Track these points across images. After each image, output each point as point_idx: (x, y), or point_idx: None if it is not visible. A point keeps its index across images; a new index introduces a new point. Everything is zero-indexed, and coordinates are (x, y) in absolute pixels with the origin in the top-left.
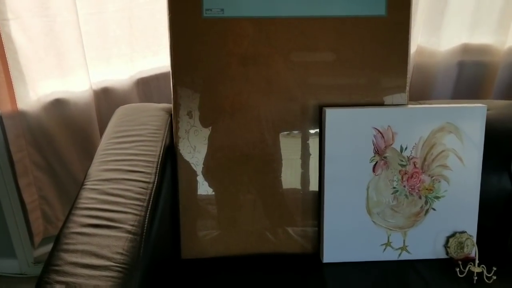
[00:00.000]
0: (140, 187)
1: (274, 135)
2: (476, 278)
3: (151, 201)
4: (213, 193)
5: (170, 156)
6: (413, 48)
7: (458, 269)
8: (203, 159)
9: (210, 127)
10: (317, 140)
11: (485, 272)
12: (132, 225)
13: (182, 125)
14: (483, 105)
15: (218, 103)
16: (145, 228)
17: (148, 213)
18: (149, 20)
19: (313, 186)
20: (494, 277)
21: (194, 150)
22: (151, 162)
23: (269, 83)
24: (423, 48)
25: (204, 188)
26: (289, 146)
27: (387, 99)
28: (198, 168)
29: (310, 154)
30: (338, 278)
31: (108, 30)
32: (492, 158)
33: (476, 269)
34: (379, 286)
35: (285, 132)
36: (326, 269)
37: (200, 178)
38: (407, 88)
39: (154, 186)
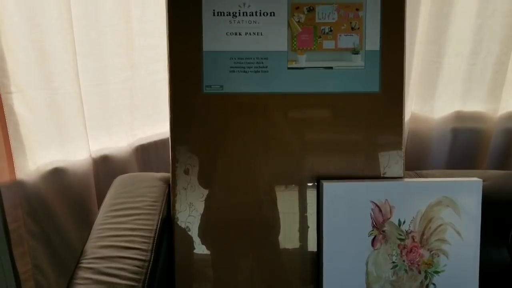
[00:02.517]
0: (136, 266)
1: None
2: None
3: (146, 281)
4: (210, 257)
5: (168, 228)
6: (407, 116)
7: None
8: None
9: (208, 189)
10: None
11: None
12: None
13: (180, 195)
14: (479, 179)
15: (214, 169)
16: None
17: None
18: (150, 89)
19: (312, 252)
20: None
21: (194, 213)
22: (148, 237)
23: (266, 155)
24: (417, 115)
25: (200, 252)
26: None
27: (384, 172)
28: (194, 232)
29: (308, 227)
30: None
31: (110, 100)
32: (489, 231)
33: None
34: None
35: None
36: None
37: (196, 242)
38: (403, 160)
39: (150, 264)
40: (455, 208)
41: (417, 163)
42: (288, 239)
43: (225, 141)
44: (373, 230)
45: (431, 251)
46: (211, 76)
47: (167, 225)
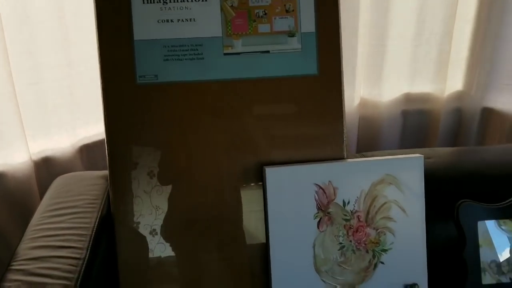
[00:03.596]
0: (70, 264)
1: (214, 196)
2: None
3: (79, 280)
4: (166, 256)
5: (108, 226)
6: (356, 100)
7: None
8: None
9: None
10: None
11: None
12: None
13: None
14: (420, 155)
15: (153, 163)
16: None
17: None
18: (90, 86)
19: None
20: None
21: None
22: (84, 235)
23: (208, 145)
24: (366, 100)
25: (156, 252)
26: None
27: (326, 154)
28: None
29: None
30: None
31: (47, 99)
32: (436, 207)
33: None
34: None
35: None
36: None
37: (152, 242)
38: (344, 142)
39: (85, 262)
40: (398, 185)
41: (369, 148)
42: (250, 233)
43: (163, 133)
44: (318, 213)
45: (377, 230)
46: (144, 66)
47: (107, 223)
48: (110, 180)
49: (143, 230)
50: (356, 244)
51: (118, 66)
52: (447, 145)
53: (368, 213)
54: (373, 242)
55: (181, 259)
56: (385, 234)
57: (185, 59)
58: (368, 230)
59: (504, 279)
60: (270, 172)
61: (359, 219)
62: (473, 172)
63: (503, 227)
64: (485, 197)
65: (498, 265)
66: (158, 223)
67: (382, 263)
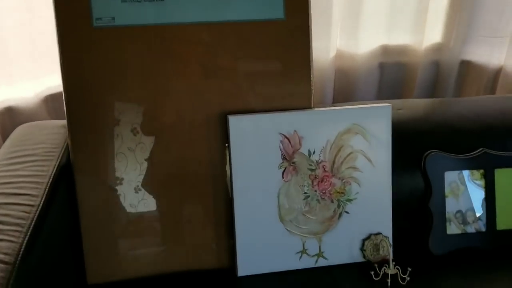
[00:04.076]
0: (23, 211)
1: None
2: (389, 280)
3: (32, 226)
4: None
5: (67, 175)
6: (332, 52)
7: (373, 272)
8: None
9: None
10: None
11: (399, 274)
12: (5, 253)
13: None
14: (388, 104)
15: (112, 111)
16: (20, 256)
17: (26, 239)
18: (54, 33)
19: None
20: (408, 278)
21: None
22: (40, 183)
23: (167, 94)
24: (342, 52)
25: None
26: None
27: (293, 104)
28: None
29: None
30: None
31: (7, 47)
32: (404, 158)
33: (391, 271)
34: None
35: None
36: (241, 283)
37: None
38: (312, 91)
39: (39, 209)
40: (365, 135)
41: (345, 101)
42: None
43: (123, 79)
44: (283, 162)
45: (342, 180)
46: (100, 8)
47: (66, 172)
48: (68, 129)
49: (127, 187)
50: (321, 194)
51: (74, 8)
52: (424, 97)
53: (333, 163)
54: (338, 192)
55: (162, 213)
56: (350, 184)
57: (144, 0)
58: (333, 180)
59: (469, 229)
60: (233, 121)
61: (324, 169)
62: (443, 124)
63: (470, 178)
64: (454, 148)
65: (464, 215)
66: (141, 180)
67: (347, 212)
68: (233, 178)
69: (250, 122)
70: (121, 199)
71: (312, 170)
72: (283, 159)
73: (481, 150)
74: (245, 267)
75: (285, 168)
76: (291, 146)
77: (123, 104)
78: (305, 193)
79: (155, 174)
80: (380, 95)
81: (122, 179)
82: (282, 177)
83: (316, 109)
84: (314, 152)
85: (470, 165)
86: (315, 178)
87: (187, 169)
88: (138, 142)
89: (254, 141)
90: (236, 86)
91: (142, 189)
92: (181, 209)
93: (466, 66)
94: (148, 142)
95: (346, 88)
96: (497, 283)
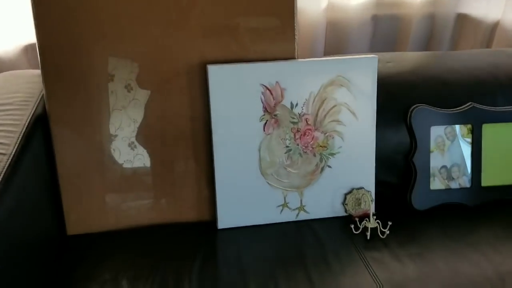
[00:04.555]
0: None
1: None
2: (369, 234)
3: (2, 175)
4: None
5: (44, 125)
6: (323, 4)
7: (353, 226)
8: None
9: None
10: None
11: (379, 227)
12: None
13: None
14: (374, 55)
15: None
16: None
17: None
18: None
19: None
20: (388, 232)
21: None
22: (13, 132)
23: (144, 36)
24: (334, 4)
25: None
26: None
27: (276, 54)
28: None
29: None
30: (233, 243)
31: None
32: (389, 112)
33: (371, 225)
34: (273, 249)
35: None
36: (221, 235)
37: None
38: (296, 41)
39: (11, 158)
40: (349, 87)
41: (337, 54)
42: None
43: (97, 24)
44: (264, 115)
45: (325, 133)
46: None
47: (42, 121)
48: (42, 78)
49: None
50: (303, 147)
51: None
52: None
53: (316, 116)
54: (320, 146)
55: (147, 167)
56: (333, 138)
57: None
58: (316, 133)
59: (454, 185)
60: (213, 71)
61: (307, 122)
62: (433, 77)
63: (457, 133)
64: (442, 103)
65: (449, 170)
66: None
67: (329, 167)
68: (213, 130)
69: (230, 72)
70: (107, 153)
71: (294, 123)
72: (264, 111)
73: (469, 105)
74: (225, 220)
75: (267, 120)
76: (273, 98)
77: (116, 60)
78: (287, 146)
79: (146, 129)
80: (373, 49)
81: (113, 135)
82: (264, 130)
83: (298, 60)
84: (296, 105)
85: (458, 120)
86: (298, 131)
87: (176, 124)
88: (132, 98)
89: (234, 92)
90: (216, 32)
91: (133, 144)
92: (166, 163)
93: (462, 20)
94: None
95: (337, 41)
96: (477, 239)
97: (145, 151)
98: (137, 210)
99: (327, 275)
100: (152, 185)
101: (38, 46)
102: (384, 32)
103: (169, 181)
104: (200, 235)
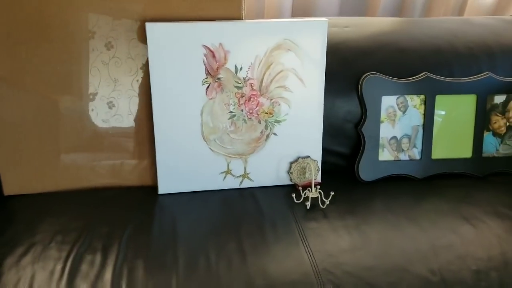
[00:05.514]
0: None
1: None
2: (309, 203)
3: None
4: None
5: None
6: None
7: (294, 195)
8: None
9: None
10: None
11: (320, 198)
12: None
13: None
14: (324, 19)
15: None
16: None
17: None
18: None
19: None
20: (328, 202)
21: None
22: None
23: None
24: None
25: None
26: None
27: (221, 14)
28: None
29: None
30: (170, 210)
31: None
32: (341, 79)
33: (312, 194)
34: (210, 217)
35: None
36: (161, 200)
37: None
38: (243, 0)
39: None
40: (297, 52)
41: (304, 15)
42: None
43: None
44: (207, 78)
45: (271, 100)
46: None
47: None
48: None
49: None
50: (248, 113)
51: None
52: (390, 15)
53: (262, 81)
54: (266, 113)
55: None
56: (279, 105)
57: None
58: (261, 99)
59: (403, 156)
60: (152, 29)
61: (252, 87)
62: (389, 44)
63: (409, 103)
64: (398, 71)
65: (399, 142)
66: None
67: (275, 134)
68: (153, 92)
69: (170, 31)
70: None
71: (238, 88)
72: (207, 74)
73: (423, 75)
74: (166, 185)
75: (209, 84)
76: (216, 61)
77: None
78: (230, 112)
79: None
80: (342, 12)
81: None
82: (206, 93)
83: (243, 21)
84: (241, 69)
85: (411, 90)
86: (242, 96)
87: None
88: None
89: (175, 52)
90: None
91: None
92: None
93: None
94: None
95: (305, 3)
96: (418, 212)
97: None
98: (75, 172)
99: (260, 245)
100: (87, 146)
101: None
102: None
103: (106, 143)
104: (140, 199)
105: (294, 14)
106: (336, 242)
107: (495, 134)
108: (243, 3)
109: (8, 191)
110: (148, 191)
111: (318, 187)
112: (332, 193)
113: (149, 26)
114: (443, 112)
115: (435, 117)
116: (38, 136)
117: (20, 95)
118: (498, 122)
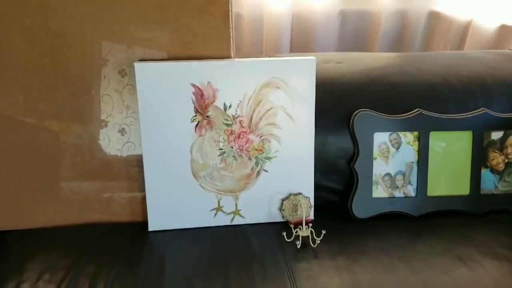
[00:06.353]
0: None
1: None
2: (299, 242)
3: None
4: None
5: None
6: None
7: (285, 233)
8: None
9: None
10: None
11: (311, 236)
12: None
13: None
14: (312, 57)
15: None
16: None
17: None
18: None
19: None
20: (319, 241)
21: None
22: None
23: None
24: None
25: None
26: None
27: (210, 53)
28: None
29: None
30: (159, 247)
31: None
32: (333, 115)
33: (303, 233)
34: (199, 255)
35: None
36: (151, 237)
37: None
38: (232, 39)
39: None
40: (286, 89)
41: (304, 51)
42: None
43: None
44: (196, 116)
45: (261, 137)
46: None
47: None
48: None
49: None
50: (238, 150)
51: None
52: (388, 50)
53: (251, 118)
54: (256, 149)
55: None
56: (269, 142)
57: None
58: (251, 136)
59: (397, 194)
60: (140, 69)
61: (241, 124)
62: (382, 80)
63: (403, 140)
64: (390, 107)
65: (393, 178)
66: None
67: (266, 171)
68: (142, 130)
69: (159, 70)
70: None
71: (228, 125)
72: (196, 112)
73: (416, 111)
74: (156, 222)
75: (199, 122)
76: (204, 99)
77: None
78: (220, 149)
79: None
80: (341, 46)
81: None
82: (195, 131)
83: (232, 59)
84: (230, 106)
85: (403, 127)
86: (231, 133)
87: None
88: None
89: (164, 91)
90: (146, 28)
91: None
92: None
93: (435, 18)
94: None
95: (304, 37)
96: (411, 252)
97: None
98: (65, 207)
99: (247, 287)
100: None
101: None
102: (352, 29)
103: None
104: (131, 236)
105: (293, 50)
106: (326, 285)
107: (493, 170)
108: (232, 42)
109: (1, 226)
110: (139, 227)
111: (310, 225)
112: (323, 232)
113: (137, 65)
114: (444, 144)
115: (436, 149)
116: (31, 171)
117: (15, 129)
118: (496, 158)
